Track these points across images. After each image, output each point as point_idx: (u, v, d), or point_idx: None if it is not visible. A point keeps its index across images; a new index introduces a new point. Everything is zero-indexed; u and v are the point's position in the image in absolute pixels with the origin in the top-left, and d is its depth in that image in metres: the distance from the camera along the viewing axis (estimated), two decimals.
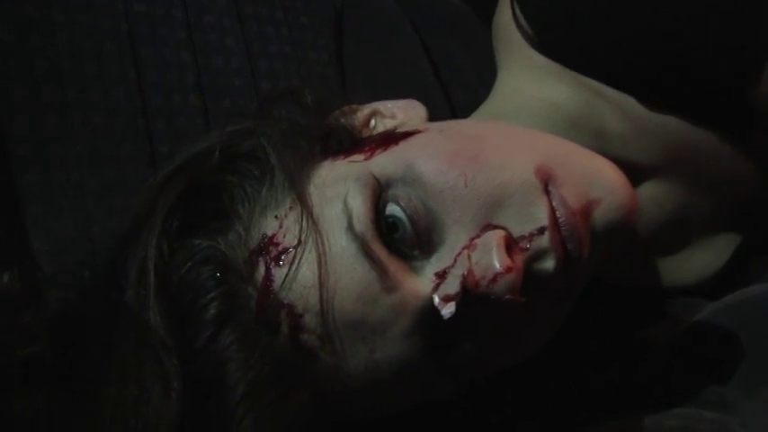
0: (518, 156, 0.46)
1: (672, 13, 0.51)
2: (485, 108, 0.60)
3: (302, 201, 0.44)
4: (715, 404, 0.51)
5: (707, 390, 0.52)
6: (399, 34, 0.74)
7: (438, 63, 0.73)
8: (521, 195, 0.44)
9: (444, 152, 0.45)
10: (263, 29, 0.69)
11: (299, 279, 0.43)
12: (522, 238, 0.44)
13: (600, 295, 0.54)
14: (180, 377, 0.40)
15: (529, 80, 0.57)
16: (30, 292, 0.45)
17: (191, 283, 0.44)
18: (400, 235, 0.44)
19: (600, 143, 0.55)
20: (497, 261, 0.42)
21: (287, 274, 0.43)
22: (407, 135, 0.48)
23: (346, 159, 0.47)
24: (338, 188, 0.45)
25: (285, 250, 0.43)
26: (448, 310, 0.42)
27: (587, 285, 0.49)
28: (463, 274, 0.43)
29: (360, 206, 0.43)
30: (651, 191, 0.56)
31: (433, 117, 0.54)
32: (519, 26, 0.57)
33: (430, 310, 0.43)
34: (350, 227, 0.43)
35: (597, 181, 0.46)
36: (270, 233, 0.44)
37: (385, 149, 0.47)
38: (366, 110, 0.53)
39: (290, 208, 0.45)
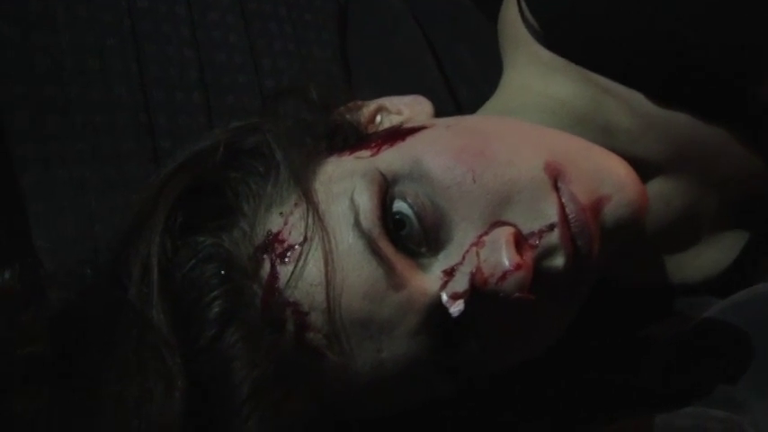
0: (527, 152, 0.45)
1: (680, 9, 0.50)
2: (490, 104, 0.60)
3: (308, 197, 0.44)
4: (724, 403, 0.51)
5: (716, 389, 0.52)
6: (403, 30, 0.74)
7: (442, 59, 0.73)
8: (530, 192, 0.44)
9: (452, 148, 0.45)
10: (266, 26, 0.69)
11: (304, 276, 0.42)
12: (532, 234, 0.43)
13: (607, 293, 0.54)
14: (183, 376, 0.40)
15: (535, 76, 0.57)
16: (31, 290, 0.45)
17: (194, 280, 0.43)
18: (407, 232, 0.43)
19: (607, 140, 0.54)
20: (507, 258, 0.42)
21: (293, 272, 0.42)
22: (414, 131, 0.47)
23: (352, 155, 0.47)
24: (344, 184, 0.44)
25: (291, 247, 0.43)
26: (456, 308, 0.42)
27: (595, 283, 0.48)
28: (472, 272, 0.42)
29: (366, 202, 0.43)
30: (659, 188, 0.56)
31: (438, 113, 0.54)
32: (525, 21, 0.57)
33: (438, 309, 0.42)
34: (356, 223, 0.42)
35: (607, 177, 0.46)
36: (275, 230, 0.44)
37: (391, 145, 0.46)
38: (372, 106, 0.53)
39: (296, 205, 0.44)
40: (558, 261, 0.43)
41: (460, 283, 0.42)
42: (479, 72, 0.71)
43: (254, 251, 0.44)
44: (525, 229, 0.43)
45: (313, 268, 0.42)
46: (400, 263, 0.42)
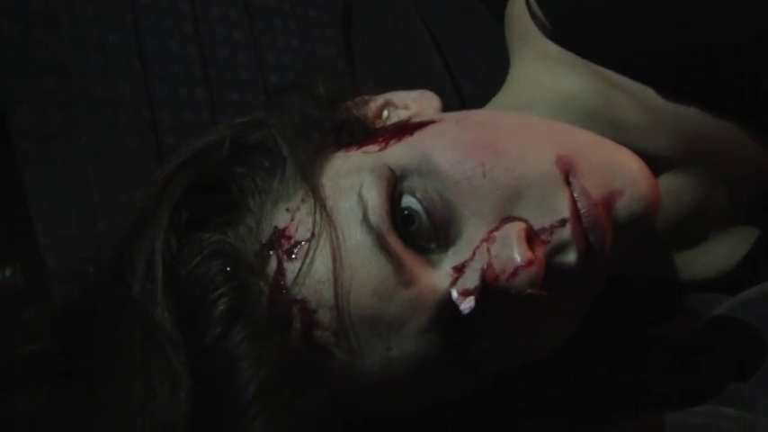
0: (537, 146, 0.45)
1: (690, 2, 0.50)
2: (498, 100, 0.59)
3: (315, 192, 0.43)
4: (736, 401, 0.50)
5: (727, 386, 0.51)
6: (408, 26, 0.74)
7: (447, 56, 0.72)
8: (541, 186, 0.43)
9: (461, 142, 0.44)
10: (270, 21, 0.69)
11: (312, 273, 0.42)
12: (543, 230, 0.43)
13: (617, 290, 0.53)
14: (189, 375, 0.39)
15: (543, 71, 0.56)
16: (33, 287, 0.44)
17: (200, 277, 0.42)
18: (416, 227, 0.43)
19: (616, 135, 0.54)
20: (518, 254, 0.41)
21: (300, 269, 0.42)
22: (422, 125, 0.47)
23: (360, 150, 0.46)
24: (352, 179, 0.44)
25: (297, 243, 0.42)
26: (467, 304, 0.41)
27: (604, 280, 0.48)
28: (482, 268, 0.42)
29: (375, 198, 0.42)
30: (669, 183, 0.55)
31: (444, 110, 0.53)
32: (533, 16, 0.56)
33: (448, 305, 0.42)
34: (365, 219, 0.42)
35: (619, 172, 0.45)
36: (281, 226, 0.43)
37: (399, 140, 0.46)
38: (379, 101, 0.52)
39: (303, 200, 0.44)
40: (570, 257, 0.43)
41: (471, 279, 0.42)
42: (485, 69, 0.71)
43: (261, 248, 0.43)
44: (536, 225, 0.43)
45: (320, 265, 0.42)
46: (409, 259, 0.42)
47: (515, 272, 0.41)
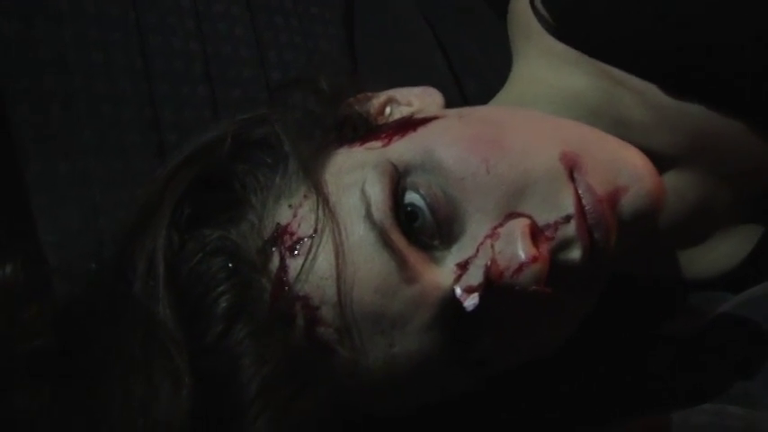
0: (542, 142, 0.45)
1: (693, 1, 0.49)
2: (501, 97, 0.59)
3: (318, 188, 0.43)
4: (741, 399, 0.50)
5: (733, 384, 0.51)
6: (409, 25, 0.74)
7: (450, 53, 0.72)
8: (545, 182, 0.43)
9: (465, 138, 0.44)
10: (272, 18, 0.68)
11: (315, 270, 0.41)
12: (548, 226, 0.42)
13: (620, 288, 0.53)
14: (190, 373, 0.39)
15: (547, 68, 0.56)
16: (33, 284, 0.44)
17: (201, 274, 0.42)
18: (420, 224, 0.42)
19: (620, 132, 0.53)
20: (522, 250, 0.41)
21: (302, 265, 0.41)
22: (425, 121, 0.47)
23: (363, 146, 0.46)
24: (355, 175, 0.43)
25: (300, 240, 0.42)
26: (471, 301, 0.41)
27: (608, 278, 0.48)
28: (486, 265, 0.41)
29: (378, 194, 0.42)
30: (673, 181, 0.55)
31: (447, 106, 0.53)
32: (537, 13, 0.56)
33: (451, 303, 0.42)
34: (368, 215, 0.42)
35: (624, 168, 0.45)
36: (284, 222, 0.43)
37: (403, 136, 0.45)
38: (381, 97, 0.52)
39: (305, 196, 0.43)
40: (575, 253, 0.42)
41: (475, 276, 0.42)
42: (488, 66, 0.70)
43: (263, 244, 0.43)
44: (541, 221, 0.43)
45: (323, 261, 0.41)
46: (413, 256, 0.42)
47: (519, 268, 0.41)
